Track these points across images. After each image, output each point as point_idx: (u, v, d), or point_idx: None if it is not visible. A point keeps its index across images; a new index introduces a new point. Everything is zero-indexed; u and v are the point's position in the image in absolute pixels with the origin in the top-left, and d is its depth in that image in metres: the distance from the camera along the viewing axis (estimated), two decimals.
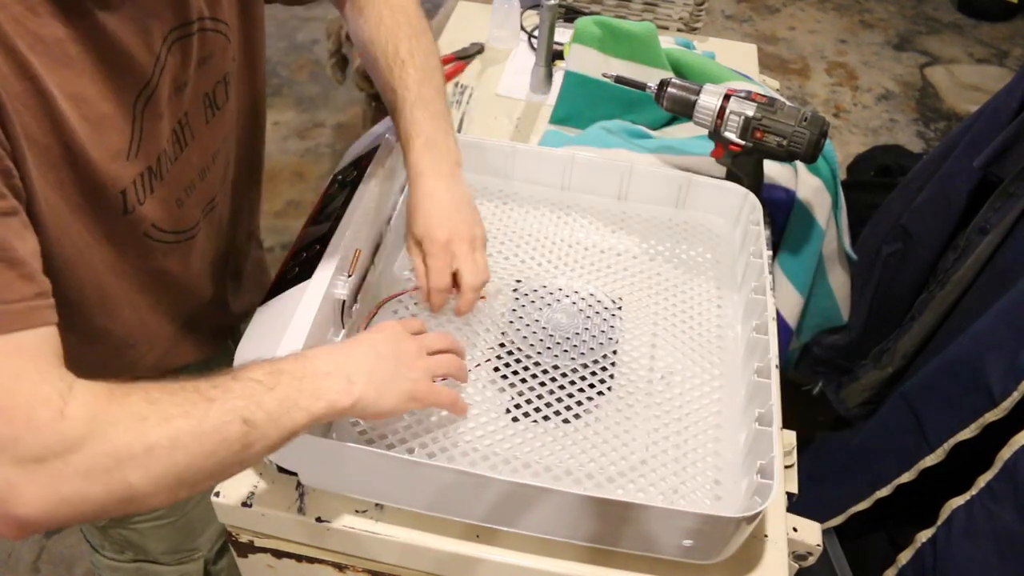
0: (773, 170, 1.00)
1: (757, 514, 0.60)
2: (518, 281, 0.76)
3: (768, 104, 0.88)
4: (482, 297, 0.79)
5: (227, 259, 0.85)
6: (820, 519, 0.74)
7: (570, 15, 1.38)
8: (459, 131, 1.15)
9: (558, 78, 1.19)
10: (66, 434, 0.47)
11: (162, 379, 0.53)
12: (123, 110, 0.60)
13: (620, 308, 0.81)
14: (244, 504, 0.68)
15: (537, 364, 0.75)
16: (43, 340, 0.50)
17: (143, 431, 0.49)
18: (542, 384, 0.74)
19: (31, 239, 0.52)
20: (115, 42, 0.57)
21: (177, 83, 0.65)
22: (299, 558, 0.72)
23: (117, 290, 0.69)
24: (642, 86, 0.95)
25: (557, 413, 0.72)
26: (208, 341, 0.86)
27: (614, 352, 0.76)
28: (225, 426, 0.51)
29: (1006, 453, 0.95)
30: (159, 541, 0.92)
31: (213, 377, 0.54)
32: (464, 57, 1.30)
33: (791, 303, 1.09)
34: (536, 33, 1.29)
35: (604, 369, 0.75)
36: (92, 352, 0.71)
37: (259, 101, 0.81)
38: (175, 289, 0.76)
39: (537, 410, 0.72)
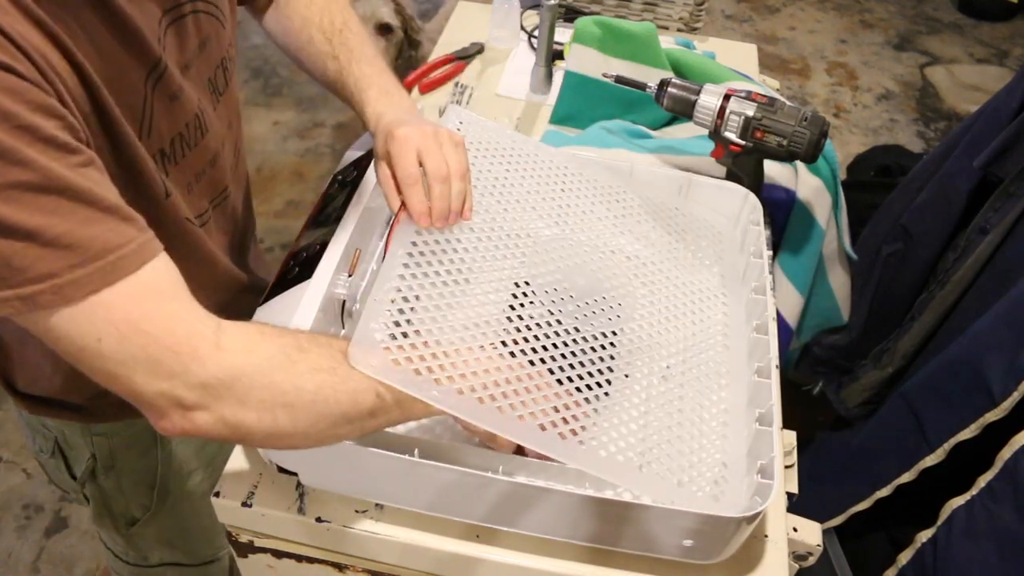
0: (773, 170, 1.00)
1: (757, 514, 0.60)
2: (516, 285, 0.76)
3: (768, 104, 0.88)
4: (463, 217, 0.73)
5: (241, 246, 0.85)
6: (820, 519, 0.75)
7: (570, 15, 1.38)
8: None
9: (558, 78, 1.19)
10: (227, 363, 0.52)
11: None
12: (136, 88, 0.60)
13: (620, 305, 0.81)
14: (244, 504, 0.68)
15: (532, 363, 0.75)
16: (167, 271, 0.53)
17: (294, 374, 0.54)
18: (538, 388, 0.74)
19: (112, 185, 0.53)
20: (126, 18, 0.58)
21: (180, 66, 0.65)
22: (299, 558, 0.72)
23: None
24: (642, 86, 0.95)
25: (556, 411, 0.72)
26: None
27: (613, 344, 0.75)
28: (362, 392, 0.56)
29: (1006, 453, 0.95)
30: (184, 542, 0.92)
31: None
32: (464, 57, 1.30)
33: (791, 303, 1.09)
34: (536, 33, 1.29)
35: (604, 368, 0.75)
36: None
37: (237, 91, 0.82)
38: (212, 275, 0.76)
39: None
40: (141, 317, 0.50)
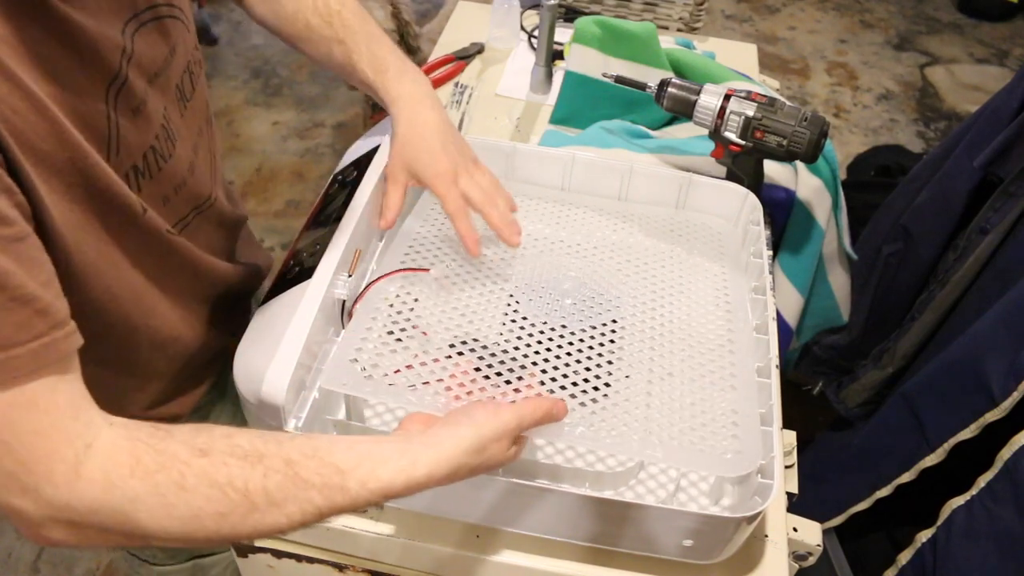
0: (773, 170, 1.00)
1: (757, 514, 0.60)
2: (511, 296, 0.77)
3: (768, 104, 0.88)
4: (513, 209, 0.80)
5: (229, 239, 0.83)
6: (820, 519, 0.75)
7: (570, 15, 1.38)
8: (459, 131, 1.15)
9: (558, 78, 1.19)
10: (82, 494, 0.47)
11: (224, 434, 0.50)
12: (97, 106, 0.57)
13: (619, 306, 0.81)
14: None
15: (534, 365, 0.75)
16: (58, 380, 0.48)
17: (164, 516, 0.48)
18: (542, 384, 0.74)
19: (44, 262, 0.49)
20: (78, 30, 0.54)
21: (148, 74, 0.62)
22: (299, 558, 0.72)
23: (147, 285, 0.67)
24: (642, 86, 0.95)
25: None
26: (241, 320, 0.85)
27: (612, 341, 0.75)
28: (268, 527, 0.49)
29: (1006, 453, 0.95)
30: None
31: (273, 458, 0.50)
32: (464, 57, 1.30)
33: (791, 303, 1.09)
34: (536, 33, 1.29)
35: (603, 371, 0.75)
36: (139, 355, 0.70)
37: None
38: (196, 278, 0.74)
39: None
40: (5, 425, 0.46)
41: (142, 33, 0.61)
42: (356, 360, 0.66)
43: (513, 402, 0.57)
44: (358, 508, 0.51)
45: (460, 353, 0.68)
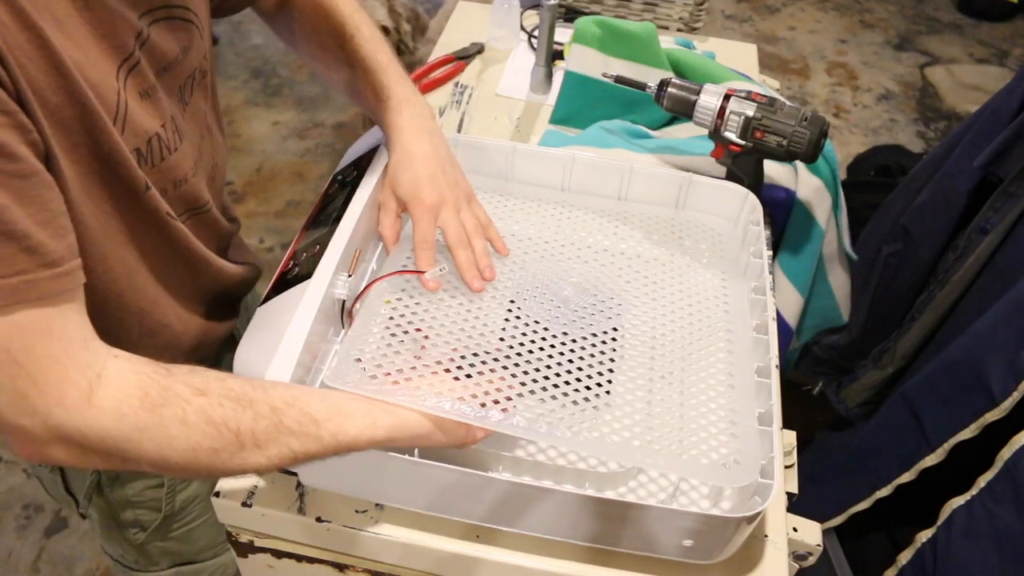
0: (773, 170, 1.00)
1: (757, 514, 0.60)
2: (511, 301, 0.77)
3: (768, 104, 0.88)
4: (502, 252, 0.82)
5: (221, 244, 0.83)
6: (820, 519, 0.75)
7: (570, 15, 1.38)
8: (459, 131, 1.15)
9: (558, 78, 1.19)
10: (93, 421, 0.49)
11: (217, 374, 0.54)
12: (109, 80, 0.57)
13: (620, 313, 0.81)
14: (244, 504, 0.68)
15: (536, 372, 0.75)
16: (71, 312, 0.50)
17: (166, 446, 0.51)
18: (544, 389, 0.74)
19: (49, 201, 0.50)
20: (100, 6, 0.55)
21: (159, 65, 0.63)
22: (299, 558, 0.72)
23: (141, 265, 0.67)
24: (642, 86, 0.95)
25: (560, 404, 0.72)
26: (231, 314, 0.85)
27: (614, 339, 0.75)
28: (250, 466, 0.54)
29: (1006, 453, 0.95)
30: (196, 541, 0.92)
31: (261, 404, 0.54)
32: (464, 57, 1.30)
33: (791, 303, 1.09)
34: (536, 33, 1.29)
35: (604, 377, 0.75)
36: (128, 339, 0.69)
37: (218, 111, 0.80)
38: (190, 268, 0.74)
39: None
40: (21, 349, 0.48)
41: (156, 27, 0.62)
42: (359, 360, 0.66)
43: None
44: (326, 456, 0.57)
45: (463, 356, 0.68)
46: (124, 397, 0.50)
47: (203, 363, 0.74)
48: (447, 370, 0.66)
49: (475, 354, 0.69)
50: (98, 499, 0.84)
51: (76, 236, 0.57)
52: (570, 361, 0.70)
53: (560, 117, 1.16)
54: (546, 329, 0.73)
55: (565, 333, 0.73)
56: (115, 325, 0.67)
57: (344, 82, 0.82)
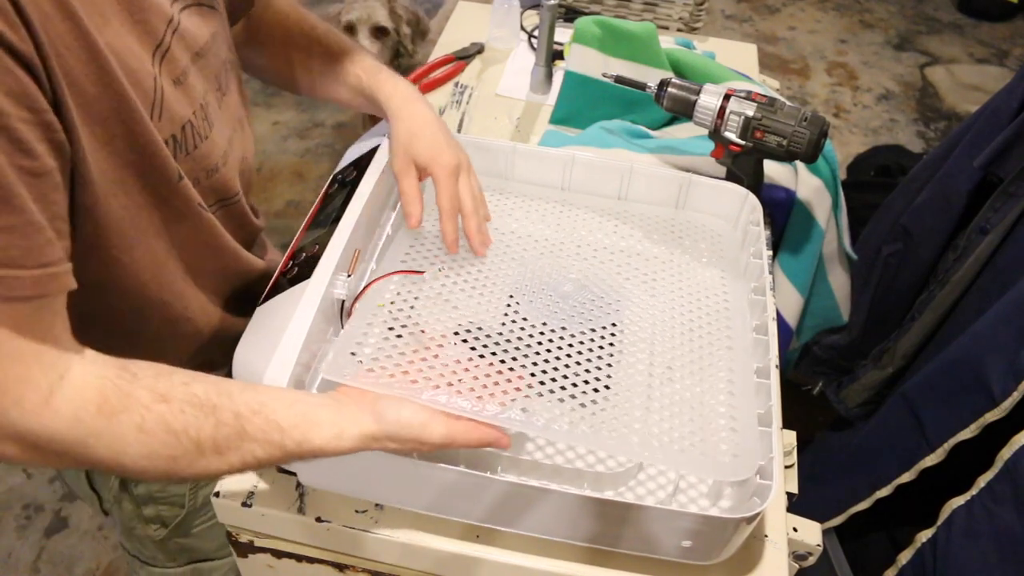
0: (773, 170, 1.00)
1: (757, 514, 0.60)
2: (511, 296, 0.77)
3: (768, 104, 0.88)
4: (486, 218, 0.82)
5: (248, 239, 0.84)
6: (820, 519, 0.75)
7: (570, 15, 1.38)
8: (459, 131, 1.15)
9: (558, 78, 1.19)
10: (47, 423, 0.49)
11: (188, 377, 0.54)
12: (145, 66, 0.57)
13: (619, 309, 0.81)
14: (244, 504, 0.68)
15: (534, 366, 0.75)
16: (43, 313, 0.49)
17: (121, 452, 0.51)
18: (542, 383, 0.74)
19: (53, 203, 0.50)
20: None
21: (191, 51, 0.64)
22: (299, 558, 0.72)
23: (170, 256, 0.67)
24: (642, 86, 0.95)
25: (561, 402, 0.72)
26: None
27: (613, 335, 0.75)
28: (211, 472, 0.54)
29: (1006, 453, 0.95)
30: (214, 539, 0.92)
31: (224, 411, 0.53)
32: (464, 57, 1.30)
33: (791, 303, 1.09)
34: (536, 33, 1.29)
35: (603, 372, 0.75)
36: (148, 330, 0.70)
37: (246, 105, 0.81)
38: (218, 260, 0.75)
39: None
40: None
41: (186, 12, 0.63)
42: (355, 353, 0.66)
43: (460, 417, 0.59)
44: (291, 462, 0.57)
45: (466, 354, 0.68)
46: (82, 402, 0.50)
47: (220, 355, 0.74)
48: (444, 364, 0.66)
49: (473, 348, 0.69)
50: (121, 495, 0.84)
51: (102, 231, 0.58)
52: (568, 356, 0.70)
53: (560, 117, 1.16)
54: (544, 324, 0.73)
55: (564, 328, 0.73)
56: (136, 317, 0.67)
57: (330, 73, 0.84)
